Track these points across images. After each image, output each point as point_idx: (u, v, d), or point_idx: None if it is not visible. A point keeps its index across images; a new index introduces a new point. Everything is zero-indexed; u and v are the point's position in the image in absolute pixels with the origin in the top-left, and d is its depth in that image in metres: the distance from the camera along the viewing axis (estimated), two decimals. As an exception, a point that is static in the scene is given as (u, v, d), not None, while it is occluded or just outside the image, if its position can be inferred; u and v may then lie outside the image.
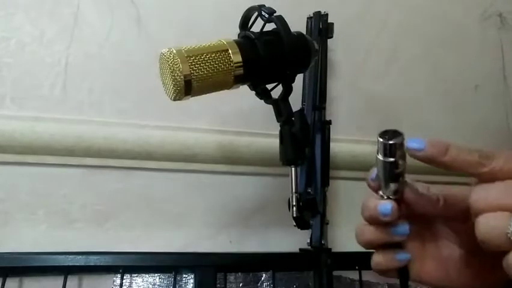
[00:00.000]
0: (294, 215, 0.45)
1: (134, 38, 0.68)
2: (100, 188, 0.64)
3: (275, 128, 0.47)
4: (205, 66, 0.40)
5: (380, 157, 0.29)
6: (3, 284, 0.55)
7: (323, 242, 0.63)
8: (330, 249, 0.65)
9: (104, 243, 0.62)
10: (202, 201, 0.68)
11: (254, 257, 0.66)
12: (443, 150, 0.27)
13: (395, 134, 0.28)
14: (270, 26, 0.45)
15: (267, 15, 0.43)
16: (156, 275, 0.62)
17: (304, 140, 0.45)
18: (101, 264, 0.58)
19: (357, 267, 0.67)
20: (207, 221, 0.68)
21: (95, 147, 0.63)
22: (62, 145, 0.61)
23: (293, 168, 0.45)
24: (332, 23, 0.71)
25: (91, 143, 0.62)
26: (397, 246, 0.32)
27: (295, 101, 0.52)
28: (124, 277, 0.60)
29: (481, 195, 0.26)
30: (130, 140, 0.64)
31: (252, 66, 0.42)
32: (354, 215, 0.78)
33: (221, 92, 0.43)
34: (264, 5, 0.45)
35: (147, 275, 0.62)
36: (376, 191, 0.31)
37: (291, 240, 0.67)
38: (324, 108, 0.68)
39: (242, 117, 0.71)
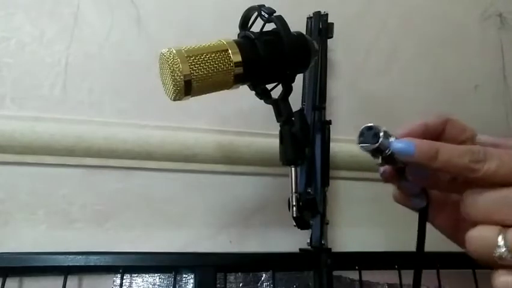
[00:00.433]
0: (294, 215, 0.45)
1: (134, 38, 0.69)
2: (100, 188, 0.64)
3: (275, 128, 0.47)
4: (205, 66, 0.40)
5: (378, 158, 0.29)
6: (3, 284, 0.55)
7: (322, 242, 0.63)
8: (330, 249, 0.65)
9: (104, 243, 0.62)
10: (202, 201, 0.68)
11: (254, 257, 0.66)
12: (433, 154, 0.26)
13: (370, 132, 0.28)
14: (270, 26, 0.45)
15: (266, 15, 0.43)
16: (156, 275, 0.62)
17: (304, 140, 0.45)
18: (101, 264, 0.58)
19: (357, 267, 0.66)
20: (207, 221, 0.68)
21: (95, 147, 0.63)
22: (62, 145, 0.61)
23: (293, 168, 0.45)
24: (332, 23, 0.71)
25: (91, 143, 0.62)
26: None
27: (295, 101, 0.52)
28: (124, 277, 0.60)
29: (471, 205, 0.25)
30: (130, 140, 0.64)
31: (252, 66, 0.42)
32: (354, 215, 0.79)
33: (221, 92, 0.43)
34: (263, 5, 0.45)
35: (147, 275, 0.62)
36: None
37: (291, 240, 0.67)
38: (324, 108, 0.68)
39: (242, 117, 0.71)
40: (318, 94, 0.67)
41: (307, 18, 0.71)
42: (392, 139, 0.27)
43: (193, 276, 0.62)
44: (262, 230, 0.70)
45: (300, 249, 0.67)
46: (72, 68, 0.65)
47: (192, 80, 0.39)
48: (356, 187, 0.75)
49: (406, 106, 0.81)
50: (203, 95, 0.42)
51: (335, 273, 0.66)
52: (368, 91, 0.80)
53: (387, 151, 0.27)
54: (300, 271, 0.67)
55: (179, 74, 0.39)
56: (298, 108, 0.47)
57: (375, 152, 0.28)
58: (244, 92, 0.47)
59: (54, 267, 0.57)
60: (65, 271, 0.57)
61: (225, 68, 0.41)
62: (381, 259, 0.68)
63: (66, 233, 0.62)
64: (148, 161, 0.65)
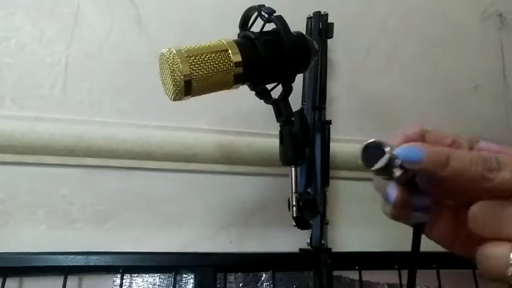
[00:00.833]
0: (294, 215, 0.45)
1: (134, 38, 0.69)
2: (100, 188, 0.64)
3: (275, 128, 0.47)
4: (205, 66, 0.40)
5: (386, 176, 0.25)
6: (3, 284, 0.55)
7: (322, 242, 0.63)
8: (330, 249, 0.65)
9: (104, 243, 0.62)
10: (202, 201, 0.68)
11: (254, 257, 0.66)
12: (443, 162, 0.23)
13: (375, 149, 0.24)
14: (270, 26, 0.45)
15: (266, 15, 0.43)
16: (156, 275, 0.62)
17: (304, 140, 0.45)
18: (101, 264, 0.58)
19: (357, 267, 0.67)
20: (207, 221, 0.68)
21: (95, 147, 0.63)
22: (62, 145, 0.61)
23: (293, 168, 0.45)
24: (332, 23, 0.71)
25: (91, 143, 0.62)
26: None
27: (295, 101, 0.52)
28: (124, 277, 0.60)
29: (479, 221, 0.24)
30: (130, 140, 0.64)
31: (252, 66, 0.42)
32: (354, 215, 0.79)
33: (221, 92, 0.43)
34: (263, 5, 0.45)
35: (147, 275, 0.62)
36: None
37: (291, 240, 0.67)
38: (324, 108, 0.68)
39: (242, 117, 0.71)
40: (318, 94, 0.67)
41: (307, 18, 0.71)
42: (396, 149, 0.25)
43: (193, 276, 0.62)
44: (262, 230, 0.70)
45: (300, 249, 0.67)
46: (72, 68, 0.65)
47: (192, 80, 0.39)
48: (356, 187, 0.74)
49: (406, 106, 0.81)
50: (203, 95, 0.42)
51: (335, 273, 0.66)
52: (368, 91, 0.80)
53: (396, 164, 0.24)
54: (300, 271, 0.67)
55: (179, 74, 0.39)
56: (298, 108, 0.47)
57: (386, 169, 0.24)
58: (244, 92, 0.47)
59: (55, 267, 0.57)
60: (65, 271, 0.57)
61: (225, 68, 0.41)
62: (381, 259, 0.68)
63: (66, 233, 0.62)
64: (148, 161, 0.65)
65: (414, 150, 0.24)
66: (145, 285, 0.61)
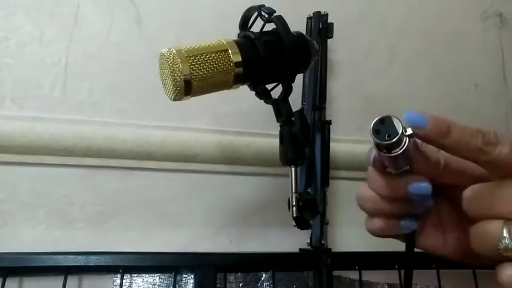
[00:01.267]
0: (294, 215, 0.45)
1: (134, 38, 0.68)
2: (99, 188, 0.64)
3: (275, 128, 0.47)
4: (205, 66, 0.40)
5: (383, 152, 0.26)
6: (3, 284, 0.55)
7: (322, 242, 0.63)
8: (330, 249, 0.65)
9: (104, 243, 0.62)
10: (202, 201, 0.68)
11: (254, 257, 0.66)
12: (445, 130, 0.25)
13: (389, 125, 0.25)
14: (270, 26, 0.45)
15: (266, 15, 0.43)
16: (156, 275, 0.62)
17: (304, 140, 0.45)
18: (101, 264, 0.58)
19: (357, 267, 0.67)
20: (207, 221, 0.68)
21: (95, 147, 0.63)
22: (62, 145, 0.61)
23: (293, 168, 0.45)
24: (332, 23, 0.71)
25: (91, 143, 0.62)
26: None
27: (295, 101, 0.52)
28: (124, 277, 0.60)
29: (472, 201, 0.25)
30: (130, 140, 0.64)
31: (252, 66, 0.42)
32: (354, 215, 0.78)
33: (221, 92, 0.43)
34: (263, 5, 0.45)
35: (147, 275, 0.62)
36: (379, 172, 0.29)
37: (291, 240, 0.67)
38: (324, 108, 0.68)
39: (242, 117, 0.71)
40: (318, 94, 0.67)
41: (307, 18, 0.71)
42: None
43: (193, 276, 0.62)
44: (262, 230, 0.70)
45: (300, 249, 0.67)
46: (72, 68, 0.65)
47: (192, 80, 0.39)
48: (356, 187, 0.73)
49: (406, 106, 0.80)
50: (203, 95, 0.42)
51: (335, 273, 0.66)
52: (368, 91, 0.80)
53: (405, 142, 0.25)
54: (300, 271, 0.67)
55: (179, 74, 0.39)
56: (298, 108, 0.47)
57: (396, 144, 0.25)
58: (244, 92, 0.47)
59: (54, 267, 0.57)
60: (65, 271, 0.57)
61: (225, 68, 0.41)
62: (381, 259, 0.68)
63: (66, 233, 0.62)
64: (148, 161, 0.65)
65: (419, 115, 0.25)
66: (145, 285, 0.61)
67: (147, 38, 0.69)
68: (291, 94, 0.46)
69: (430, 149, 0.28)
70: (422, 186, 0.27)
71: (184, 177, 0.68)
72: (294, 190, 0.45)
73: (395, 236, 0.32)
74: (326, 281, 0.62)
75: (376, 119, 0.25)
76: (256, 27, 0.45)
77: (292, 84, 0.46)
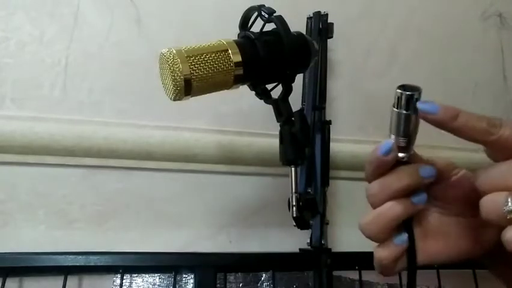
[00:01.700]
0: (294, 215, 0.45)
1: (134, 38, 0.68)
2: (100, 188, 0.64)
3: (275, 128, 0.47)
4: (205, 66, 0.40)
5: (402, 110, 0.29)
6: (3, 284, 0.55)
7: (322, 242, 0.63)
8: (330, 249, 0.65)
9: (104, 243, 0.62)
10: (202, 201, 0.68)
11: (254, 257, 0.66)
12: (454, 115, 0.29)
13: (413, 88, 0.30)
14: (270, 26, 0.45)
15: (266, 15, 0.43)
16: (156, 275, 0.62)
17: (304, 140, 0.45)
18: (101, 264, 0.58)
19: (357, 267, 0.67)
20: (207, 221, 0.68)
21: (95, 147, 0.63)
22: (62, 145, 0.61)
23: (293, 168, 0.45)
24: (332, 23, 0.71)
25: (91, 143, 0.62)
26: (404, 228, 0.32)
27: (295, 101, 0.52)
28: (124, 277, 0.60)
29: (483, 178, 0.28)
30: (130, 140, 0.64)
31: (252, 66, 0.42)
32: (354, 215, 0.78)
33: (221, 92, 0.43)
34: (263, 5, 0.45)
35: (147, 275, 0.62)
36: (391, 163, 0.31)
37: (291, 240, 0.67)
38: (324, 108, 0.68)
39: (242, 117, 0.71)
40: (318, 94, 0.67)
41: (307, 18, 0.71)
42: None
43: (193, 276, 0.62)
44: (262, 230, 0.70)
45: (300, 249, 0.67)
46: (72, 68, 0.65)
47: (192, 80, 0.39)
48: (356, 187, 0.74)
49: (406, 106, 0.81)
50: (203, 95, 0.42)
51: (335, 273, 0.66)
52: (368, 91, 0.80)
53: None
54: (300, 271, 0.67)
55: (179, 74, 0.39)
56: (298, 108, 0.47)
57: (410, 101, 0.30)
58: (244, 92, 0.47)
59: (54, 267, 0.57)
60: (65, 271, 0.57)
61: (225, 68, 0.41)
62: (381, 259, 0.68)
63: (66, 233, 0.62)
64: (148, 161, 0.65)
65: (430, 103, 0.30)
66: (145, 285, 0.61)
67: (147, 38, 0.69)
68: (291, 94, 0.46)
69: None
70: (429, 167, 0.31)
71: (184, 177, 0.68)
72: (294, 190, 0.45)
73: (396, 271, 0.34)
74: (326, 281, 0.62)
75: (399, 85, 0.30)
76: (256, 27, 0.45)
77: (292, 84, 0.46)
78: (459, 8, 0.89)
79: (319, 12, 0.71)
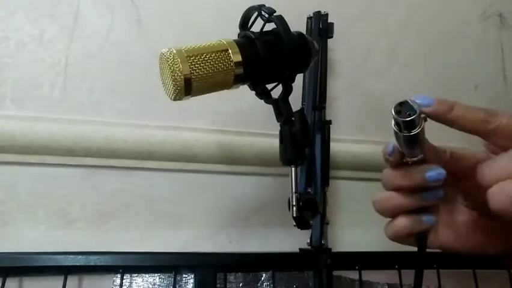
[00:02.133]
0: (294, 215, 0.45)
1: (134, 38, 0.68)
2: (100, 188, 0.64)
3: (275, 128, 0.47)
4: (205, 66, 0.40)
5: (404, 132, 0.28)
6: (3, 284, 0.55)
7: (322, 242, 0.63)
8: (330, 249, 0.65)
9: (104, 243, 0.62)
10: (202, 201, 0.68)
11: (254, 257, 0.66)
12: (449, 107, 0.29)
13: (408, 107, 0.28)
14: (270, 26, 0.45)
15: (267, 15, 0.43)
16: (156, 275, 0.62)
17: (304, 140, 0.45)
18: (101, 264, 0.58)
19: (357, 267, 0.67)
20: (207, 221, 0.68)
21: (95, 147, 0.63)
22: (62, 145, 0.61)
23: (293, 168, 0.45)
24: (332, 23, 0.71)
25: (91, 143, 0.62)
26: (423, 209, 0.32)
27: (295, 101, 0.52)
28: (124, 277, 0.60)
29: (486, 171, 0.27)
30: (130, 140, 0.64)
31: (252, 66, 0.42)
32: (354, 215, 0.78)
33: (221, 92, 0.43)
34: (264, 5, 0.45)
35: (147, 275, 0.62)
36: (396, 164, 0.31)
37: (291, 240, 0.67)
38: (324, 108, 0.68)
39: (242, 117, 0.71)
40: (318, 94, 0.67)
41: (307, 18, 0.71)
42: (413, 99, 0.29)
43: (193, 276, 0.62)
44: (262, 230, 0.70)
45: (300, 249, 0.67)
46: (72, 68, 0.65)
47: (192, 79, 0.39)
48: (356, 187, 0.74)
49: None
50: (203, 95, 0.42)
51: (335, 273, 0.66)
52: (368, 91, 0.80)
53: (421, 122, 0.28)
54: (300, 271, 0.67)
55: (179, 74, 0.39)
56: (298, 108, 0.47)
57: (416, 121, 0.28)
58: (244, 92, 0.47)
59: (54, 267, 0.57)
60: (65, 271, 0.57)
61: (225, 68, 0.41)
62: (381, 259, 0.68)
63: (66, 233, 0.62)
64: (148, 161, 0.65)
65: (426, 97, 0.29)
66: (145, 285, 0.61)
67: (147, 38, 0.69)
68: (291, 94, 0.46)
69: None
70: (438, 171, 0.30)
71: (184, 177, 0.68)
72: (294, 190, 0.45)
73: (409, 241, 0.34)
74: (326, 281, 0.62)
75: (396, 103, 0.28)
76: (256, 27, 0.45)
77: (292, 84, 0.46)
78: (459, 8, 0.89)
79: (319, 12, 0.71)
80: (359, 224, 0.73)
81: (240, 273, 0.65)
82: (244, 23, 0.46)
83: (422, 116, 0.28)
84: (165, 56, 0.40)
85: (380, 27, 0.83)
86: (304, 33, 0.47)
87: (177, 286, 0.62)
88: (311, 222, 0.63)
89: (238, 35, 0.46)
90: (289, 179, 0.45)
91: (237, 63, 0.41)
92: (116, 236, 0.64)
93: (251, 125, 0.71)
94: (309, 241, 0.65)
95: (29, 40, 0.64)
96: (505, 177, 0.26)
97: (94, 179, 0.64)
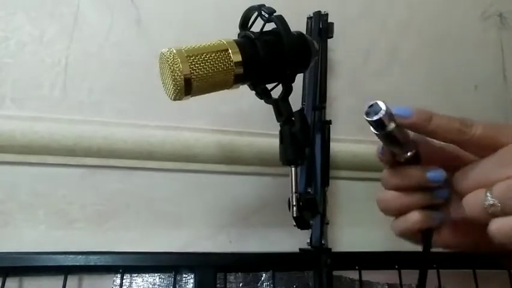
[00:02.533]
0: (294, 215, 0.45)
1: (134, 38, 0.69)
2: (100, 188, 0.64)
3: (275, 128, 0.47)
4: (205, 66, 0.40)
5: (377, 132, 0.29)
6: (3, 284, 0.55)
7: (323, 242, 0.63)
8: (330, 249, 0.65)
9: (104, 243, 0.62)
10: (202, 201, 0.68)
11: (254, 257, 0.66)
12: (428, 118, 0.30)
13: (377, 108, 0.29)
14: (270, 26, 0.45)
15: (267, 15, 0.43)
16: (156, 275, 0.62)
17: (304, 140, 0.45)
18: (101, 264, 0.58)
19: (357, 267, 0.67)
20: (207, 221, 0.68)
21: (95, 147, 0.63)
22: (62, 145, 0.61)
23: (293, 168, 0.45)
24: (332, 23, 0.71)
25: (91, 143, 0.62)
26: (431, 207, 0.33)
27: (295, 101, 0.52)
28: (124, 277, 0.60)
29: (461, 181, 0.30)
30: (130, 140, 0.64)
31: (252, 66, 0.42)
32: (354, 215, 0.78)
33: (221, 92, 0.43)
34: (264, 5, 0.45)
35: (147, 275, 0.62)
36: (391, 163, 0.32)
37: (291, 240, 0.67)
38: (324, 108, 0.68)
39: (242, 117, 0.71)
40: (318, 94, 0.67)
41: (308, 18, 0.71)
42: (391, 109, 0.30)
43: (193, 276, 0.62)
44: (262, 230, 0.70)
45: (300, 249, 0.67)
46: (72, 68, 0.65)
47: (192, 79, 0.39)
48: (356, 187, 0.74)
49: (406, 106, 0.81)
50: (203, 95, 0.42)
51: (335, 273, 0.66)
52: (368, 91, 0.80)
53: (391, 125, 0.29)
54: (300, 271, 0.67)
55: (179, 73, 0.39)
56: (298, 108, 0.47)
57: (382, 122, 0.29)
58: (244, 92, 0.47)
59: (54, 267, 0.57)
60: (65, 271, 0.57)
61: (225, 68, 0.41)
62: (381, 259, 0.68)
63: (66, 233, 0.62)
64: (148, 161, 0.65)
65: (405, 108, 0.30)
66: (145, 285, 0.61)
67: (147, 38, 0.69)
68: (291, 94, 0.46)
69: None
70: (438, 171, 0.31)
71: (184, 177, 0.68)
72: (294, 190, 0.45)
73: (415, 239, 0.34)
74: (326, 281, 0.62)
75: (366, 105, 0.29)
76: (256, 27, 0.45)
77: (292, 84, 0.46)
78: (459, 8, 0.89)
79: (319, 12, 0.71)
80: (359, 224, 0.73)
81: (240, 273, 0.65)
82: (244, 23, 0.46)
83: (392, 115, 0.29)
84: (165, 56, 0.40)
85: (380, 27, 0.83)
86: (304, 33, 0.47)
87: (177, 286, 0.62)
88: (311, 222, 0.62)
89: (238, 35, 0.46)
90: (289, 179, 0.45)
91: (237, 63, 0.41)
92: (116, 236, 0.64)
93: (251, 125, 0.71)
94: (309, 241, 0.65)
95: (29, 40, 0.64)
96: (477, 186, 0.28)
97: (94, 179, 0.64)
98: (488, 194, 0.27)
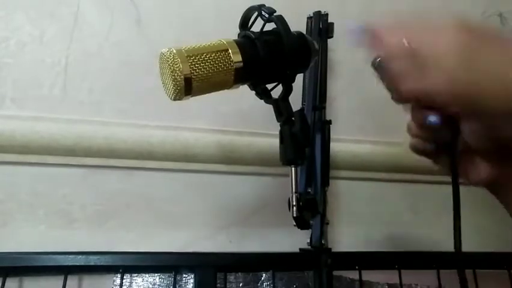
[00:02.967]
0: (294, 215, 0.45)
1: (134, 38, 0.69)
2: (100, 188, 0.64)
3: (275, 128, 0.47)
4: (205, 66, 0.40)
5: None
6: (3, 284, 0.55)
7: (323, 242, 0.63)
8: (330, 249, 0.65)
9: (104, 243, 0.62)
10: (202, 201, 0.68)
11: (254, 257, 0.66)
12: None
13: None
14: (270, 26, 0.45)
15: (267, 15, 0.43)
16: (156, 275, 0.62)
17: (304, 140, 0.45)
18: (101, 264, 0.58)
19: (357, 267, 0.67)
20: (207, 221, 0.68)
21: (95, 147, 0.63)
22: (62, 145, 0.61)
23: (293, 168, 0.45)
24: (332, 23, 0.71)
25: (91, 143, 0.62)
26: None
27: (295, 101, 0.52)
28: (124, 277, 0.60)
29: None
30: (130, 140, 0.64)
31: (252, 66, 0.42)
32: (354, 215, 0.78)
33: (221, 92, 0.43)
34: (264, 5, 0.45)
35: (147, 275, 0.62)
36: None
37: (291, 240, 0.67)
38: (324, 108, 0.68)
39: (242, 117, 0.71)
40: (318, 94, 0.67)
41: (307, 18, 0.71)
42: None
43: (193, 276, 0.62)
44: (262, 230, 0.70)
45: (300, 249, 0.67)
46: (72, 68, 0.65)
47: (192, 79, 0.39)
48: (356, 187, 0.74)
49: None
50: (203, 95, 0.42)
51: (335, 273, 0.66)
52: (368, 91, 0.80)
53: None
54: (300, 271, 0.67)
55: (179, 73, 0.39)
56: (299, 108, 0.47)
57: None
58: (244, 92, 0.47)
59: (55, 267, 0.57)
60: (65, 271, 0.57)
61: (225, 68, 0.41)
62: (381, 259, 0.68)
63: (66, 233, 0.62)
64: (148, 161, 0.65)
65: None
66: (145, 285, 0.61)
67: (147, 38, 0.69)
68: (291, 94, 0.46)
69: None
70: (431, 116, 0.37)
71: (184, 177, 0.68)
72: (294, 190, 0.45)
73: (436, 160, 0.40)
74: (326, 281, 0.62)
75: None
76: (256, 27, 0.45)
77: (292, 84, 0.46)
78: (459, 8, 0.89)
79: (319, 12, 0.71)
80: (359, 224, 0.73)
81: (240, 273, 0.65)
82: (244, 23, 0.46)
83: None
84: (165, 56, 0.40)
85: (380, 27, 0.83)
86: (304, 33, 0.47)
87: (177, 286, 0.62)
88: (311, 222, 0.62)
89: (238, 35, 0.46)
90: (289, 179, 0.45)
91: (237, 63, 0.41)
92: (116, 236, 0.64)
93: (251, 125, 0.71)
94: (309, 241, 0.65)
95: (29, 40, 0.64)
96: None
97: (94, 179, 0.64)
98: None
